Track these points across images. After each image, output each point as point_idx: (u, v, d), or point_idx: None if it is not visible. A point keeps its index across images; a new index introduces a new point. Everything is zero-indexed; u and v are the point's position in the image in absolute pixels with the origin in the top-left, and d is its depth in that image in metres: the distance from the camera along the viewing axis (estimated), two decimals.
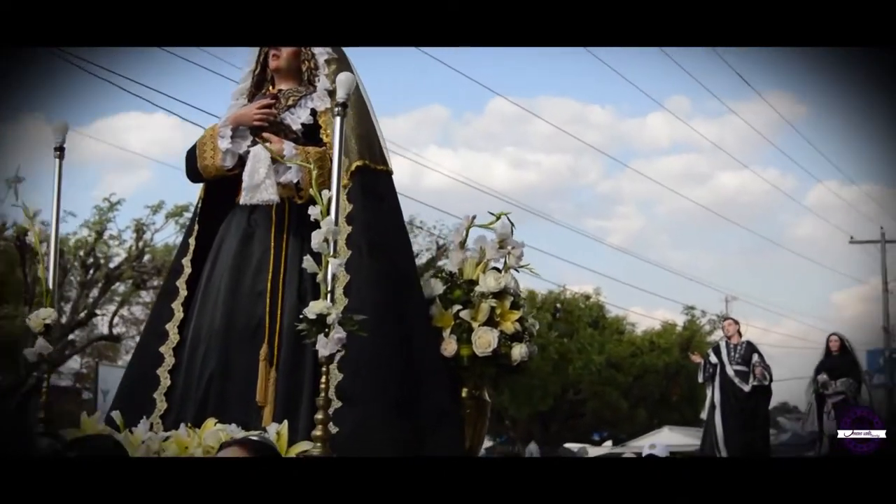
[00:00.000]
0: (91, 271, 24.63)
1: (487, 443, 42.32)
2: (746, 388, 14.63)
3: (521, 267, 5.74)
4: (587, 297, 39.33)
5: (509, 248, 5.70)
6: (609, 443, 40.62)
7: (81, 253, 24.40)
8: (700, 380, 15.39)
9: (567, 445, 37.29)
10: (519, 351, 5.49)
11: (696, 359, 15.69)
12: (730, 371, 14.80)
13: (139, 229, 24.64)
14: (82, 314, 24.69)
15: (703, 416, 15.42)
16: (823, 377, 15.26)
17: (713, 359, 15.22)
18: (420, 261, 31.41)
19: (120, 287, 26.06)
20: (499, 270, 5.64)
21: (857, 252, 44.72)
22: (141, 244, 24.70)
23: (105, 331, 26.71)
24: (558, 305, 38.73)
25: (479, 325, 5.43)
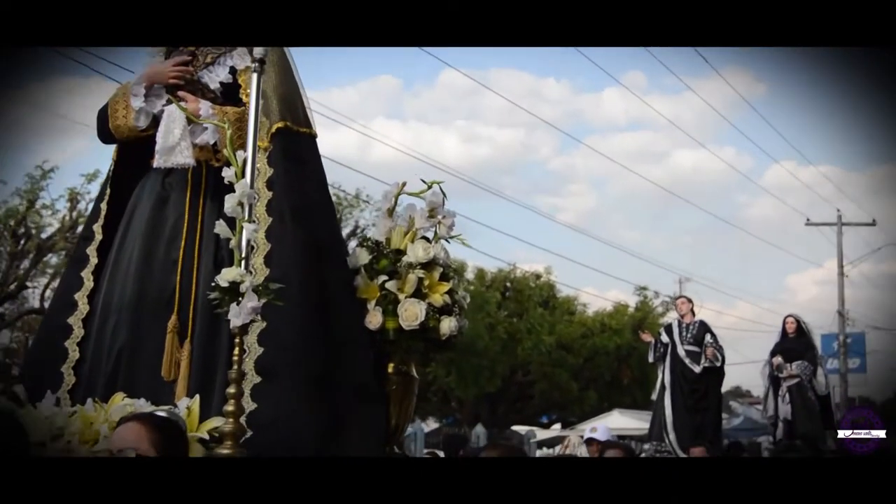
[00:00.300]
0: (22, 242, 24.26)
1: (433, 424, 42.32)
2: (697, 369, 14.50)
3: (452, 237, 5.60)
4: (538, 276, 39.40)
5: (440, 217, 5.55)
6: (558, 426, 40.74)
7: (12, 222, 24.02)
8: (650, 359, 15.27)
9: (515, 428, 37.37)
10: (448, 324, 5.35)
11: (647, 338, 15.56)
12: (681, 351, 14.68)
13: (73, 199, 24.25)
14: (12, 286, 24.31)
15: (654, 397, 15.31)
16: (778, 360, 15.24)
17: (664, 338, 15.07)
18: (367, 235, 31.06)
19: (52, 258, 25.65)
20: (428, 240, 5.50)
21: (813, 234, 45.24)
22: (75, 214, 24.29)
23: (36, 304, 26.26)
24: (508, 284, 38.79)
25: (406, 297, 5.29)
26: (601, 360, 39.52)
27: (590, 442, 10.98)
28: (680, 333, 14.91)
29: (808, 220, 41.24)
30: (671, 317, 38.83)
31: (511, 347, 36.86)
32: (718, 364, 14.63)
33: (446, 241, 5.57)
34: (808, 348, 15.64)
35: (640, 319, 38.94)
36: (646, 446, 15.03)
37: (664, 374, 14.84)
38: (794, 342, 15.49)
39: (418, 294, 5.32)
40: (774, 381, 15.32)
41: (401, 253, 5.42)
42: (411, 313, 5.24)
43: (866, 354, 42.74)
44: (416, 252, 5.38)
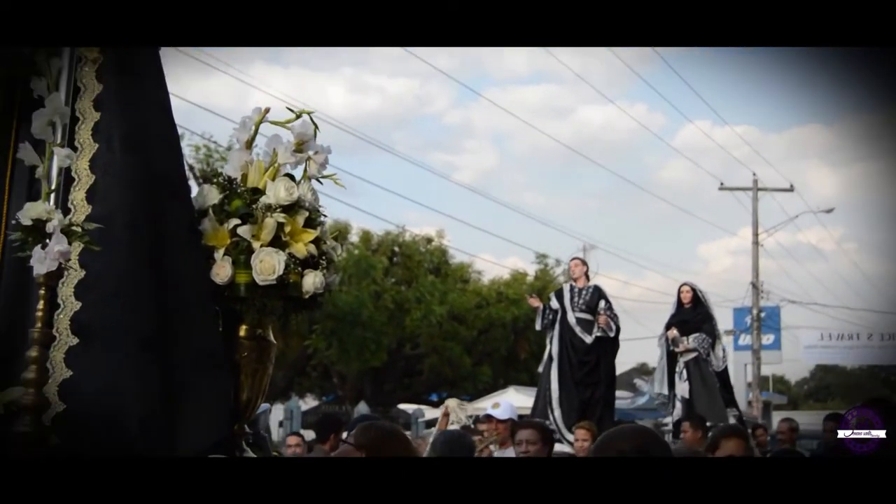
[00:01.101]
0: None
1: (312, 402, 41.95)
2: (588, 340, 14.33)
3: (325, 177, 5.09)
4: (429, 241, 39.44)
5: (310, 152, 5.02)
6: None
7: None
8: (538, 326, 15.11)
9: (402, 406, 37.24)
10: (312, 280, 4.82)
11: (534, 302, 15.27)
12: (571, 318, 14.48)
13: None
14: None
15: (541, 369, 15.14)
16: (673, 333, 15.08)
17: (554, 303, 14.85)
18: None
19: None
20: (293, 179, 4.97)
21: (728, 200, 46.03)
22: None
23: None
24: (396, 249, 38.75)
25: (262, 246, 4.75)
26: (497, 333, 39.58)
27: (489, 419, 10.55)
28: (571, 299, 14.67)
29: (721, 184, 42.06)
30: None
31: (398, 318, 36.80)
32: (612, 334, 14.48)
33: (318, 181, 5.06)
34: (706, 319, 15.42)
35: (540, 289, 38.95)
36: None
37: (552, 344, 14.64)
38: (690, 313, 15.33)
39: (277, 243, 4.79)
40: (670, 356, 15.22)
41: (258, 193, 4.88)
42: (268, 265, 4.71)
43: (781, 330, 43.72)
44: (277, 192, 4.84)
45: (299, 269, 4.81)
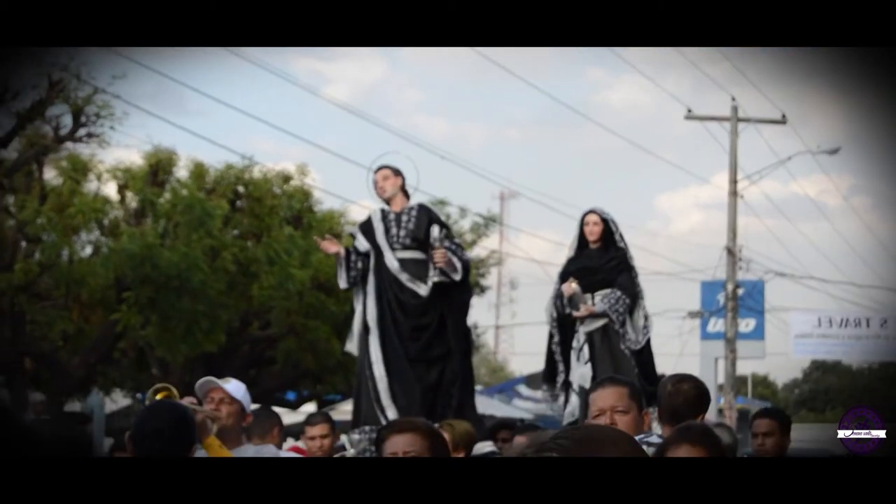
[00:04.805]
0: None
1: (123, 400, 41.48)
2: (422, 291, 12.53)
3: None
4: (287, 179, 39.32)
5: None
6: (310, 406, 40.21)
7: None
8: (342, 283, 13.10)
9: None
10: None
11: (330, 247, 13.22)
12: (391, 262, 12.65)
13: None
14: None
15: (350, 347, 13.37)
16: (572, 287, 12.84)
17: (361, 242, 12.92)
18: (24, 104, 30.02)
19: None
20: None
21: (698, 133, 46.14)
22: None
23: None
24: (241, 189, 38.53)
25: None
26: None
27: (211, 393, 8.07)
28: (387, 231, 12.77)
29: (689, 111, 41.50)
30: (484, 245, 38.87)
31: (243, 285, 36.38)
32: (457, 276, 12.53)
33: None
34: (622, 268, 13.19)
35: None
36: (355, 436, 12.71)
37: (366, 308, 12.70)
38: (599, 257, 13.19)
39: None
40: (564, 323, 13.11)
41: None
42: None
43: (765, 313, 43.75)
44: None
45: None
